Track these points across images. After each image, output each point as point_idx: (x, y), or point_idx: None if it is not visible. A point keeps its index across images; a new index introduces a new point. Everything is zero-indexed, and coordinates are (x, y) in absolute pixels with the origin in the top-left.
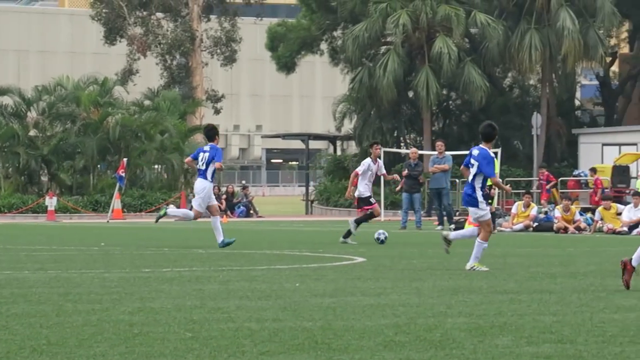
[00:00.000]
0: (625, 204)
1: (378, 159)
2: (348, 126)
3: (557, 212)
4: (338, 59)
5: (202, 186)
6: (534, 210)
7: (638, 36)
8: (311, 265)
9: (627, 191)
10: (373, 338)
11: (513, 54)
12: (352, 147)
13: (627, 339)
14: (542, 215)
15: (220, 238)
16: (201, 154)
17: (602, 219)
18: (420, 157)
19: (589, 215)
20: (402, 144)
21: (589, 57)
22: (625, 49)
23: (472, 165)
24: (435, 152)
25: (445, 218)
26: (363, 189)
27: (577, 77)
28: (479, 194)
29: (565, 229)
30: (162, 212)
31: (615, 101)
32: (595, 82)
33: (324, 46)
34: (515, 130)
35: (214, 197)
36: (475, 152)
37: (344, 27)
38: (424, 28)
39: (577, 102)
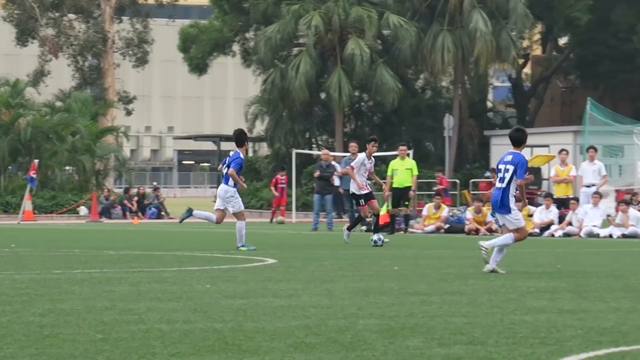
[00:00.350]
0: (537, 205)
1: (372, 157)
2: (260, 128)
3: (469, 214)
4: (250, 61)
5: (223, 189)
6: (444, 211)
7: (550, 38)
8: (222, 266)
9: (539, 193)
10: (284, 339)
11: (425, 55)
12: (264, 149)
13: (537, 340)
14: (453, 217)
15: (240, 243)
16: (227, 160)
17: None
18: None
19: None
20: (314, 146)
21: (502, 59)
22: (537, 50)
23: (507, 170)
24: (348, 154)
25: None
26: (358, 184)
27: (489, 79)
28: (512, 200)
29: (477, 231)
30: (186, 214)
31: (528, 103)
32: (508, 84)
33: (236, 48)
34: (427, 132)
35: (239, 201)
36: (508, 157)
37: (257, 29)
38: (336, 29)
39: (489, 104)
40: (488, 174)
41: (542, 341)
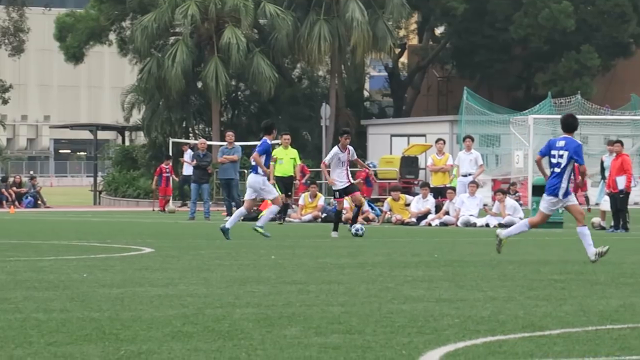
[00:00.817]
0: (414, 194)
1: (349, 147)
2: (137, 117)
3: (346, 203)
4: (127, 50)
5: (253, 179)
6: (321, 200)
7: (427, 28)
8: (99, 255)
9: (416, 182)
10: (161, 328)
11: (302, 45)
12: (141, 138)
13: (415, 329)
14: (330, 206)
15: (260, 223)
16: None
17: (390, 210)
18: (209, 147)
19: (377, 206)
20: (190, 135)
21: (378, 49)
22: (414, 40)
23: (562, 156)
24: (225, 143)
25: (234, 209)
26: (337, 180)
27: (366, 69)
28: (569, 185)
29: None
30: (226, 236)
31: (404, 92)
32: (384, 74)
33: (112, 37)
34: (304, 121)
35: (272, 188)
36: (561, 142)
37: (133, 18)
38: (212, 19)
39: (366, 93)
40: (365, 163)
41: (419, 330)
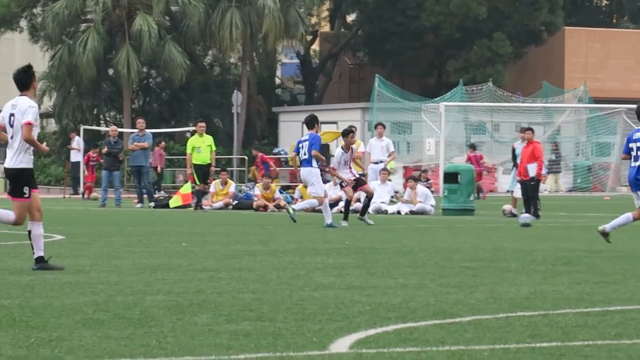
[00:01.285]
0: (325, 182)
1: (352, 147)
2: (47, 104)
3: (257, 190)
4: (38, 36)
5: (309, 173)
6: (232, 187)
7: (339, 15)
8: (9, 242)
9: (327, 169)
10: (72, 316)
11: (214, 32)
12: (52, 125)
13: (325, 316)
14: (241, 193)
15: (328, 220)
16: (302, 144)
17: (301, 197)
18: (121, 134)
19: (289, 193)
20: (102, 122)
21: (290, 36)
22: (326, 27)
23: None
24: (136, 130)
25: (145, 196)
26: (344, 175)
27: (277, 56)
28: None
29: (265, 207)
30: (291, 212)
31: (316, 80)
32: (296, 61)
33: (23, 23)
34: (216, 109)
35: (321, 184)
36: (637, 134)
37: (44, 4)
38: (124, 5)
39: (277, 81)
40: (276, 150)
41: (330, 317)
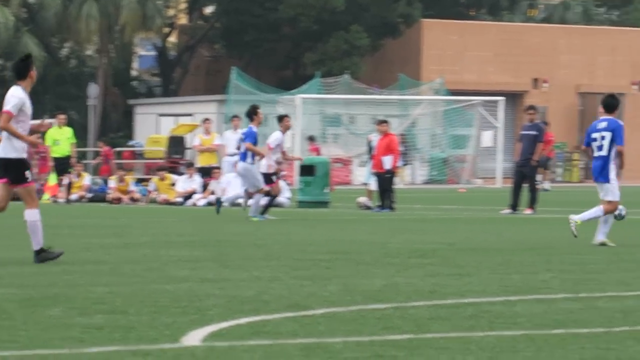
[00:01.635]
0: (180, 174)
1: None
2: None
3: (112, 183)
4: None
5: (242, 167)
6: (86, 179)
7: (196, 7)
8: None
9: (182, 162)
10: None
11: (70, 23)
12: None
13: (179, 309)
14: (96, 186)
15: (252, 214)
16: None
17: (156, 190)
18: None
19: (144, 185)
20: None
21: (147, 28)
22: (183, 19)
23: (604, 138)
24: None
25: None
26: (269, 164)
27: (134, 48)
28: (613, 170)
29: (119, 200)
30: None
31: (172, 72)
32: (153, 53)
33: None
34: (72, 101)
35: (259, 175)
36: (602, 124)
37: None
38: None
39: (134, 73)
40: (132, 142)
41: (183, 310)
